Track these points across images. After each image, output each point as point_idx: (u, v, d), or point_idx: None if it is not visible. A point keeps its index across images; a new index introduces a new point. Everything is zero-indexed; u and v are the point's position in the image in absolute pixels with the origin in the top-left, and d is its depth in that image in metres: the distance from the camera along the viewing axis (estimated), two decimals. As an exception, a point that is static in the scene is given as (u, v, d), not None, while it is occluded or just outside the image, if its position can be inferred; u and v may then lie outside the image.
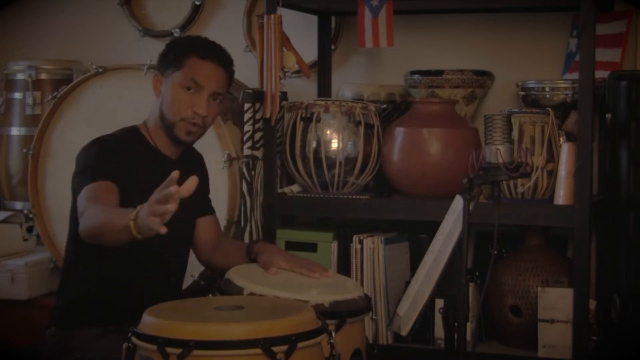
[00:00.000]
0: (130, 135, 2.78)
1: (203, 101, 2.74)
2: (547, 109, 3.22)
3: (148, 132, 2.80)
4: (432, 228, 2.76)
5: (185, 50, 2.77)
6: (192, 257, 3.02)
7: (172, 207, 2.08)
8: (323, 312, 2.35)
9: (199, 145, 3.25)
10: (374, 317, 2.60)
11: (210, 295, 2.60)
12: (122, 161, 2.67)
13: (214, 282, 2.68)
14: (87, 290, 2.71)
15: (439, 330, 3.26)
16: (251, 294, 2.48)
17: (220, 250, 2.95)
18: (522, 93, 3.41)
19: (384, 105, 3.53)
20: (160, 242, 2.64)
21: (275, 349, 2.11)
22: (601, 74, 3.28)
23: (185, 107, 2.73)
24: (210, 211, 2.99)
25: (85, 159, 2.67)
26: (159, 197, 2.10)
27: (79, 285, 2.73)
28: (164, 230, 2.11)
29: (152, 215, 2.10)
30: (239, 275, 2.58)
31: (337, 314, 2.42)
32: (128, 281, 2.70)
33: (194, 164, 2.94)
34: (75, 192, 2.64)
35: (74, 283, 2.75)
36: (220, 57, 2.81)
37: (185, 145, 2.82)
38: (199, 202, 2.92)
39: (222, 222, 3.42)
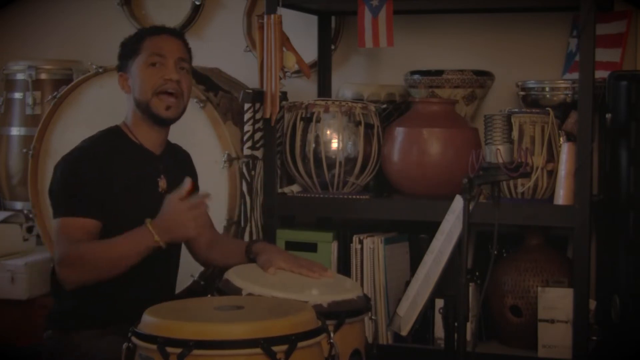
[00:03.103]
0: (112, 135, 2.80)
1: (171, 68, 2.77)
2: (547, 109, 3.22)
3: (129, 130, 2.81)
4: (432, 228, 2.76)
5: (138, 37, 2.83)
6: (191, 259, 3.01)
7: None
8: (322, 312, 2.35)
9: (199, 145, 3.25)
10: (373, 317, 2.60)
11: (209, 295, 2.60)
12: (103, 168, 2.68)
13: (214, 283, 2.68)
14: (83, 292, 2.70)
15: (439, 330, 3.26)
16: (250, 294, 2.48)
17: (217, 248, 2.95)
18: (522, 93, 3.41)
19: (384, 105, 3.53)
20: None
21: (275, 348, 2.11)
22: (601, 74, 3.28)
23: (156, 79, 2.75)
24: None
25: (62, 183, 2.71)
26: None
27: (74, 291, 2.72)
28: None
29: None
30: (237, 275, 2.58)
31: (336, 314, 2.42)
32: (123, 282, 2.69)
33: (179, 160, 2.95)
34: (54, 215, 2.71)
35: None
36: (174, 31, 2.88)
37: (169, 123, 2.81)
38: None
39: (222, 222, 3.42)
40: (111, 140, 2.77)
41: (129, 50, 2.82)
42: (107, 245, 2.58)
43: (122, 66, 2.83)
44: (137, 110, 2.78)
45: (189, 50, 2.87)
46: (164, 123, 2.80)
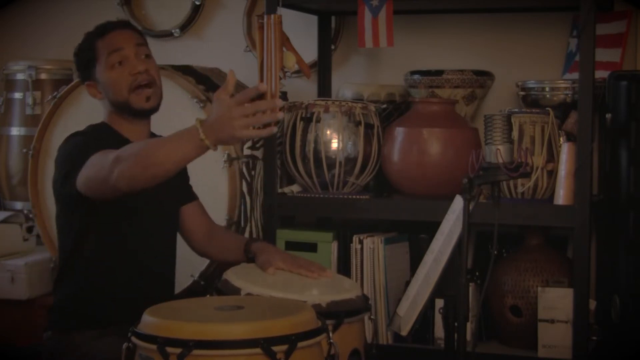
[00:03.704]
0: (100, 131, 2.78)
1: (133, 61, 2.73)
2: (547, 109, 3.22)
3: (113, 127, 2.79)
4: (432, 228, 2.76)
5: (89, 43, 2.77)
6: (191, 258, 3.01)
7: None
8: (320, 312, 2.35)
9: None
10: (372, 317, 2.60)
11: (208, 295, 2.60)
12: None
13: (213, 283, 2.68)
14: (82, 293, 2.70)
15: (439, 330, 3.26)
16: (248, 294, 2.48)
17: (215, 241, 2.94)
18: (522, 93, 3.41)
19: (384, 105, 3.53)
20: (146, 236, 2.64)
21: (275, 348, 2.11)
22: (601, 74, 3.28)
23: (125, 78, 2.72)
24: (193, 197, 2.98)
25: (69, 153, 2.65)
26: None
27: (74, 288, 2.72)
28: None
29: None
30: (236, 275, 2.58)
31: (335, 314, 2.42)
32: (122, 281, 2.69)
33: None
34: (62, 187, 2.63)
35: (68, 286, 2.74)
36: (120, 24, 2.84)
37: (152, 113, 2.79)
38: (180, 190, 2.92)
39: (222, 222, 3.42)
40: (101, 135, 2.75)
41: (85, 59, 2.78)
42: (157, 140, 2.48)
43: (86, 76, 2.80)
44: (115, 111, 2.77)
45: (141, 34, 2.84)
46: (146, 114, 2.79)
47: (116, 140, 2.75)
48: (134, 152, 2.42)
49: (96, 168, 2.51)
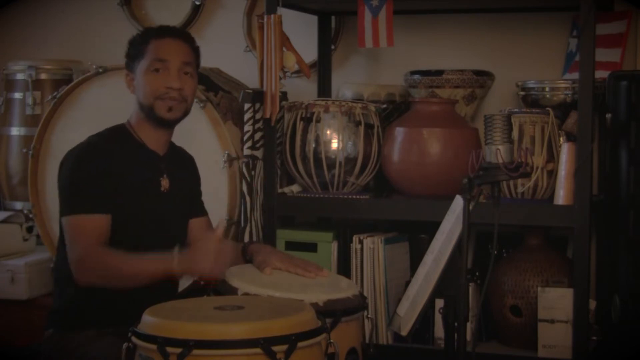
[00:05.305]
0: (117, 135, 2.79)
1: (173, 75, 2.75)
2: (547, 109, 3.22)
3: (133, 129, 2.81)
4: (432, 228, 2.76)
5: (144, 38, 2.80)
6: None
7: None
8: (317, 311, 2.35)
9: (199, 145, 3.24)
10: (369, 315, 2.60)
11: (205, 296, 2.60)
12: (109, 165, 2.68)
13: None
14: (83, 293, 2.70)
15: (439, 330, 3.26)
16: (245, 294, 2.48)
17: None
18: (522, 93, 3.41)
19: (384, 105, 3.53)
20: (154, 244, 2.65)
21: (275, 348, 2.11)
22: (601, 74, 3.28)
23: (158, 86, 2.75)
24: (204, 212, 2.99)
25: (70, 179, 2.69)
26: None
27: (75, 288, 2.72)
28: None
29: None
30: (233, 276, 2.58)
31: (332, 313, 2.42)
32: None
33: (183, 162, 2.95)
34: (63, 212, 2.70)
35: (69, 286, 2.74)
36: (179, 33, 2.86)
37: (171, 124, 2.81)
38: (192, 204, 2.93)
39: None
40: (117, 139, 2.78)
41: (134, 51, 2.80)
42: (131, 260, 2.58)
43: (129, 65, 2.83)
44: (140, 112, 2.80)
45: (195, 50, 2.86)
46: (167, 124, 2.80)
47: (133, 146, 2.77)
48: (104, 267, 2.57)
49: (67, 236, 2.66)
